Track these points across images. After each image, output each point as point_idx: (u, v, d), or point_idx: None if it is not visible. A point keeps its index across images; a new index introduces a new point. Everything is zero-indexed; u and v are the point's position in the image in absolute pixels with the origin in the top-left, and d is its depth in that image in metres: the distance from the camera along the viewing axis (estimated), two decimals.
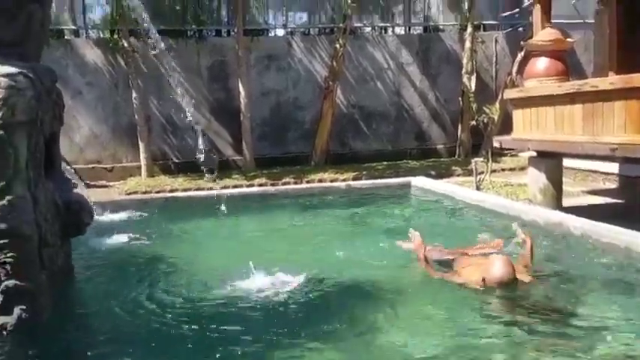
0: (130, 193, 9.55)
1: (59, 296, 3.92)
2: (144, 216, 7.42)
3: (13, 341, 3.29)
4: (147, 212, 7.62)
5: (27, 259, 3.39)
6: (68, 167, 8.31)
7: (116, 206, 7.84)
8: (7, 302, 3.33)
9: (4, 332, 3.33)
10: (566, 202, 6.90)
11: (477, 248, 4.61)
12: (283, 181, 9.83)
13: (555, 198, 6.31)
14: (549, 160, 6.37)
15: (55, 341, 3.35)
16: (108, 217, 7.31)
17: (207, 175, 8.49)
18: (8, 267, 3.30)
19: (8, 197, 3.28)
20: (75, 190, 4.35)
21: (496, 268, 3.39)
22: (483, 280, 3.43)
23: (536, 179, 6.47)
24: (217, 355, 3.16)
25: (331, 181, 9.69)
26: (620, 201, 7.23)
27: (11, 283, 3.32)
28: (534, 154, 6.62)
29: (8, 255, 3.28)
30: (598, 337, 3.09)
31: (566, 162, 7.27)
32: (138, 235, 6.20)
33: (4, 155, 3.28)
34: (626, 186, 7.90)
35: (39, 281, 3.48)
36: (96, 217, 7.04)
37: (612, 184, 8.28)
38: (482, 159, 7.97)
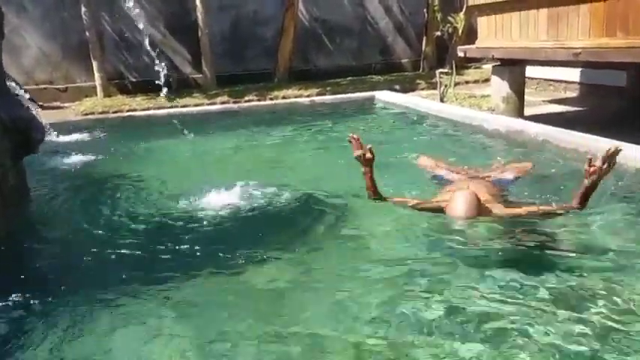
0: (86, 114, 9.22)
1: (13, 216, 3.80)
2: (102, 136, 7.22)
3: None
4: (105, 132, 7.41)
5: None
6: (18, 87, 7.91)
7: (72, 127, 7.60)
8: None
9: None
10: (528, 111, 6.94)
11: (493, 169, 4.18)
12: (246, 98, 9.60)
13: (517, 107, 6.32)
14: (512, 68, 6.33)
15: (9, 261, 3.27)
16: (64, 138, 7.08)
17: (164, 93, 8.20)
18: None
19: None
20: (24, 107, 4.11)
21: (455, 205, 3.16)
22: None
23: (498, 88, 6.44)
24: (181, 270, 3.14)
25: (295, 97, 9.51)
26: (580, 108, 7.31)
27: None
28: (498, 63, 6.55)
29: None
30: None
31: (529, 72, 7.25)
32: (97, 155, 6.03)
33: None
34: (587, 94, 7.98)
35: None
36: (53, 138, 6.85)
37: (573, 93, 8.35)
38: (446, 70, 7.86)
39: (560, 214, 3.19)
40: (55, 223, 4.07)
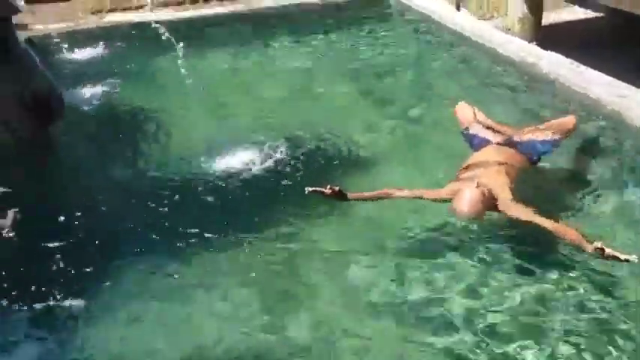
0: (94, 12, 8.93)
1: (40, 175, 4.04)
2: (117, 52, 7.00)
3: None
4: (118, 44, 7.19)
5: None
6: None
7: (82, 39, 7.34)
8: None
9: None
10: (547, 18, 6.52)
11: (532, 130, 3.71)
12: None
13: (534, 27, 6.12)
14: None
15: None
16: (77, 54, 6.96)
17: None
18: None
19: None
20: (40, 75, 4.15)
21: (459, 201, 2.93)
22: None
23: (514, 6, 6.21)
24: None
25: None
26: (600, 14, 6.87)
27: None
28: None
29: None
30: None
31: None
32: (115, 84, 5.91)
33: None
34: None
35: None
36: (65, 55, 6.80)
37: None
38: None
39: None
40: (77, 182, 4.24)
